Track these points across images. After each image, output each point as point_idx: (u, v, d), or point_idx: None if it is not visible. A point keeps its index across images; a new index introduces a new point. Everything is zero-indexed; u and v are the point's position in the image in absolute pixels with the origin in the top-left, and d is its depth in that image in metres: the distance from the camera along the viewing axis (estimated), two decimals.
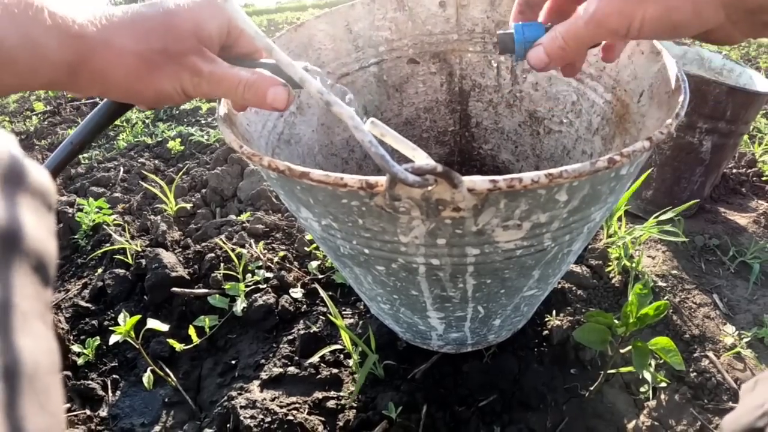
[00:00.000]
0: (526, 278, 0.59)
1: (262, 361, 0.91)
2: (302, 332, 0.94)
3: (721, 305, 1.04)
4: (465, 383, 0.83)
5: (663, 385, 0.84)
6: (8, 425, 0.15)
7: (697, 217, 1.34)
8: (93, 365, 0.97)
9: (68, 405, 0.88)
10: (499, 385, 0.82)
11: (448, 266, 0.52)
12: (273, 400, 0.82)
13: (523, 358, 0.86)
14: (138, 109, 2.49)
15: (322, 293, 0.90)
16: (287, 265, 1.12)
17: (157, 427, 0.84)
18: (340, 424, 0.79)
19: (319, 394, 0.83)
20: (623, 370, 0.83)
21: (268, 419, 0.77)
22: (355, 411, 0.81)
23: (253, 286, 1.05)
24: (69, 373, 0.94)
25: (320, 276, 1.10)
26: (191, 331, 0.94)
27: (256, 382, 0.86)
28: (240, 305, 0.99)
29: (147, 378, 0.90)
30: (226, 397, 0.83)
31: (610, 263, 1.09)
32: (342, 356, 0.91)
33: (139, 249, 1.19)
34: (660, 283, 1.07)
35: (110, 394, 0.91)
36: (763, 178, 1.57)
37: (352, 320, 0.98)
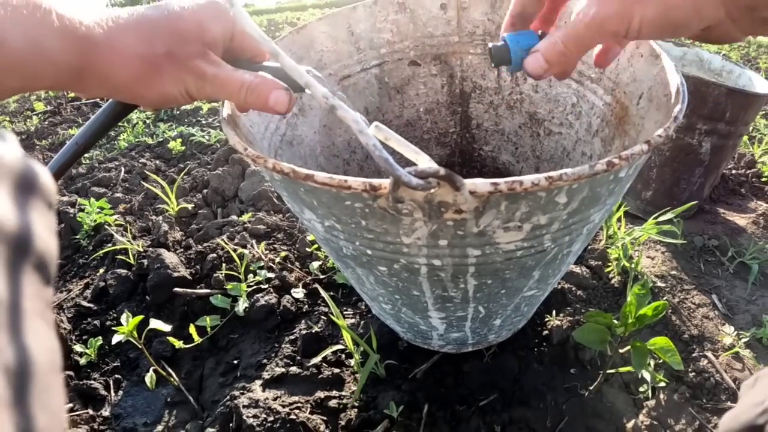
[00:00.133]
0: (527, 279, 0.59)
1: (264, 360, 0.91)
2: (304, 332, 0.95)
3: (720, 305, 1.05)
4: (466, 383, 0.84)
5: (662, 384, 0.84)
6: (18, 424, 0.16)
7: (696, 218, 1.35)
8: (95, 365, 0.97)
9: (70, 405, 0.88)
10: (500, 385, 0.83)
11: (449, 267, 0.53)
12: (275, 399, 0.82)
13: (524, 358, 0.87)
14: (140, 109, 2.49)
15: (324, 293, 0.90)
16: (289, 265, 1.13)
17: (160, 427, 0.84)
18: (342, 423, 0.80)
19: (321, 394, 0.84)
20: (623, 369, 0.84)
21: (271, 418, 0.77)
22: (356, 410, 0.81)
23: (254, 287, 1.06)
24: (71, 373, 0.95)
25: (322, 276, 1.10)
26: (193, 331, 0.95)
27: (258, 382, 0.87)
28: (242, 305, 1.00)
29: (149, 378, 0.90)
30: (228, 397, 0.83)
31: (610, 264, 1.10)
32: (344, 356, 0.91)
33: (141, 249, 1.20)
34: (659, 284, 1.07)
35: (113, 393, 0.91)
36: (763, 179, 1.58)
37: (353, 320, 0.99)
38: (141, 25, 0.43)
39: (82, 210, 1.39)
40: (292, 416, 0.78)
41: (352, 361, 0.88)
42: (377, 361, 0.83)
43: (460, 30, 0.88)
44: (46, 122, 2.58)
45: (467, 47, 0.89)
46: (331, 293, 1.06)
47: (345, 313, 1.01)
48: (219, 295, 1.02)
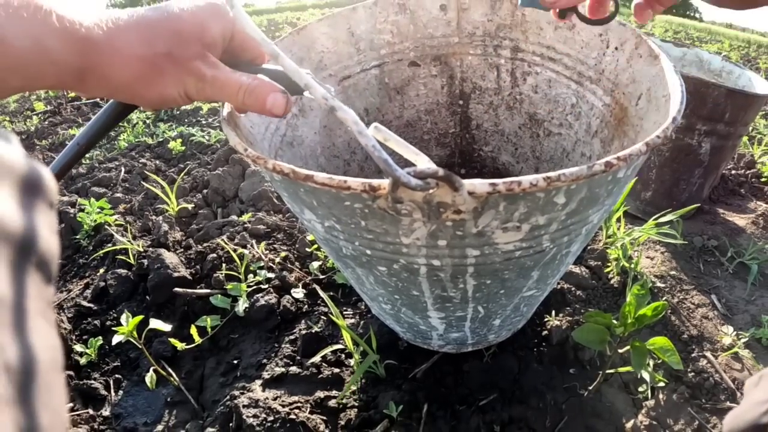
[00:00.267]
0: (526, 279, 0.59)
1: (264, 360, 0.92)
2: (304, 332, 0.95)
3: (720, 306, 1.05)
4: (465, 382, 0.84)
5: (661, 384, 0.85)
6: (23, 421, 0.16)
7: (695, 218, 1.35)
8: (95, 365, 0.98)
9: (71, 405, 0.88)
10: (499, 385, 0.83)
11: (448, 267, 0.53)
12: (275, 399, 0.83)
13: (523, 358, 0.87)
14: (140, 109, 2.49)
15: (322, 294, 0.90)
16: (289, 265, 1.13)
17: (160, 427, 0.84)
18: (342, 423, 0.80)
19: (320, 394, 0.84)
20: (622, 369, 0.84)
21: (271, 418, 0.77)
22: (356, 410, 0.81)
23: (254, 287, 1.06)
24: (72, 372, 0.95)
25: (321, 276, 1.10)
26: (193, 331, 0.95)
27: (258, 382, 0.87)
28: (242, 305, 1.00)
29: (149, 378, 0.90)
30: (228, 397, 0.83)
31: (609, 264, 1.10)
32: (343, 356, 0.91)
33: (141, 249, 1.20)
34: (659, 284, 1.08)
35: (113, 393, 0.91)
36: (762, 179, 1.58)
37: (353, 320, 0.99)
38: (141, 26, 0.43)
39: (82, 210, 1.39)
40: (292, 416, 0.78)
41: (352, 361, 0.88)
42: (377, 361, 0.83)
43: (460, 31, 0.88)
44: (46, 122, 2.59)
45: (467, 48, 0.90)
46: (331, 293, 1.06)
47: (345, 313, 1.01)
48: (219, 295, 1.02)
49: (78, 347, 0.99)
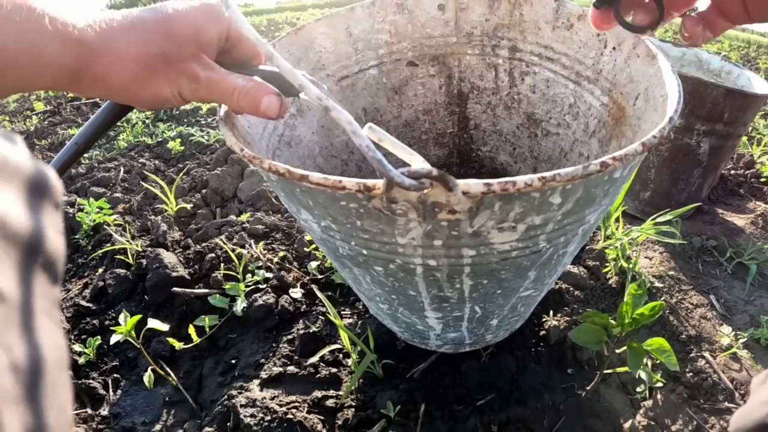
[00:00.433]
0: (522, 279, 0.59)
1: (262, 360, 0.92)
2: (302, 332, 0.95)
3: (718, 306, 1.05)
4: (463, 382, 0.84)
5: (659, 385, 0.84)
6: (31, 420, 0.16)
7: (694, 219, 1.35)
8: (94, 364, 0.98)
9: (72, 405, 0.88)
10: (497, 385, 0.83)
11: (444, 267, 0.53)
12: (273, 398, 0.83)
13: (521, 358, 0.87)
14: (138, 109, 2.49)
15: (320, 295, 0.91)
16: (287, 265, 1.13)
17: (158, 426, 0.84)
18: (339, 422, 0.80)
19: (318, 393, 0.84)
20: (620, 370, 0.84)
21: (268, 418, 0.78)
22: (354, 410, 0.81)
23: (253, 286, 1.06)
24: (70, 372, 0.95)
25: (320, 276, 1.10)
26: (192, 330, 0.95)
27: (256, 381, 0.87)
28: (240, 305, 1.00)
29: (148, 377, 0.90)
30: (226, 396, 0.84)
31: (608, 264, 1.10)
32: (341, 356, 0.91)
33: (140, 249, 1.20)
34: (657, 284, 1.08)
35: (111, 393, 0.91)
36: (762, 180, 1.58)
37: (351, 320, 0.99)
38: (136, 28, 0.43)
39: (81, 210, 1.39)
40: (290, 415, 0.78)
41: (350, 361, 0.88)
42: (374, 361, 0.83)
43: (458, 31, 0.88)
44: (46, 122, 2.59)
45: (465, 48, 0.89)
46: (329, 293, 1.06)
47: (343, 312, 1.01)
48: (217, 295, 1.02)
49: (77, 347, 0.99)
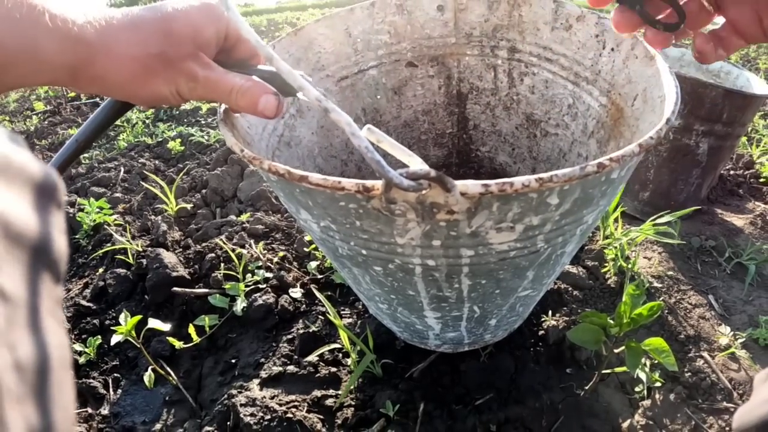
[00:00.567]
0: (521, 279, 0.60)
1: (262, 360, 0.92)
2: (301, 332, 0.95)
3: (717, 306, 1.05)
4: (462, 382, 0.84)
5: (658, 384, 0.85)
6: (39, 419, 0.16)
7: (693, 219, 1.35)
8: (94, 364, 0.98)
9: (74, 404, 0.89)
10: (496, 384, 0.83)
11: (443, 267, 0.54)
12: (273, 398, 0.83)
13: (520, 358, 0.87)
14: (138, 109, 2.50)
15: (319, 295, 0.91)
16: (287, 265, 1.13)
17: (158, 425, 0.85)
18: (339, 422, 0.80)
19: (317, 393, 0.84)
20: (618, 369, 0.84)
21: (268, 417, 0.78)
22: (353, 409, 0.82)
23: (252, 286, 1.06)
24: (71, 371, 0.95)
25: (319, 276, 1.11)
26: (192, 330, 0.95)
27: (256, 381, 0.87)
28: (240, 305, 1.00)
29: (148, 377, 0.91)
30: (226, 396, 0.84)
31: (606, 264, 1.10)
32: (341, 355, 0.92)
33: (140, 249, 1.21)
34: (656, 284, 1.08)
35: (111, 392, 0.92)
36: (761, 180, 1.58)
37: (350, 320, 0.99)
38: (135, 26, 0.43)
39: (81, 210, 1.39)
40: (289, 415, 0.78)
41: (349, 361, 0.89)
42: (374, 361, 0.84)
43: (458, 31, 0.88)
44: (46, 122, 2.59)
45: (464, 49, 0.90)
46: (329, 293, 1.06)
47: (342, 312, 1.01)
48: (217, 295, 1.03)
49: (77, 346, 0.99)
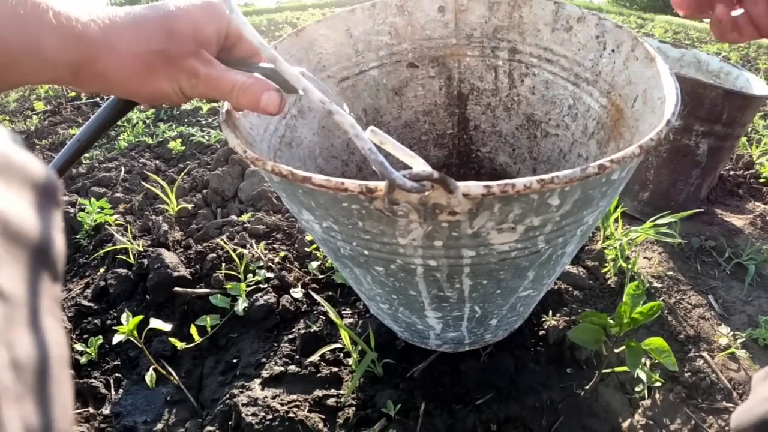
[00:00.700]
0: (521, 279, 0.60)
1: (263, 359, 0.92)
2: (303, 331, 0.95)
3: (716, 306, 1.05)
4: (462, 382, 0.84)
5: (658, 384, 0.85)
6: (39, 415, 0.17)
7: (693, 219, 1.36)
8: (96, 364, 0.98)
9: (72, 403, 0.89)
10: (496, 384, 0.83)
11: (444, 267, 0.54)
12: (274, 398, 0.83)
13: (520, 358, 0.88)
14: (139, 109, 2.49)
15: (318, 298, 0.91)
16: (288, 265, 1.14)
17: (160, 425, 0.85)
18: (340, 421, 0.80)
19: (319, 392, 0.84)
20: (618, 369, 0.85)
21: (270, 416, 0.78)
22: (354, 409, 0.82)
23: (254, 286, 1.07)
24: (72, 371, 0.96)
25: (320, 276, 1.11)
26: (193, 330, 0.95)
27: (258, 381, 0.87)
28: (241, 305, 1.01)
29: (149, 376, 0.91)
30: (227, 395, 0.84)
31: (607, 264, 1.11)
32: (342, 355, 0.92)
33: (141, 249, 1.21)
34: (656, 284, 1.08)
35: (113, 392, 0.92)
36: (761, 180, 1.59)
37: (351, 320, 1.00)
38: (137, 24, 0.43)
39: (82, 210, 1.40)
40: (291, 414, 0.78)
41: (350, 360, 0.89)
42: (375, 360, 0.84)
43: (458, 32, 0.89)
44: (46, 122, 2.59)
45: (465, 49, 0.90)
46: (330, 293, 1.07)
47: (343, 312, 1.02)
48: (219, 295, 1.03)
49: (78, 346, 0.99)
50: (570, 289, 1.03)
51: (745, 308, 1.06)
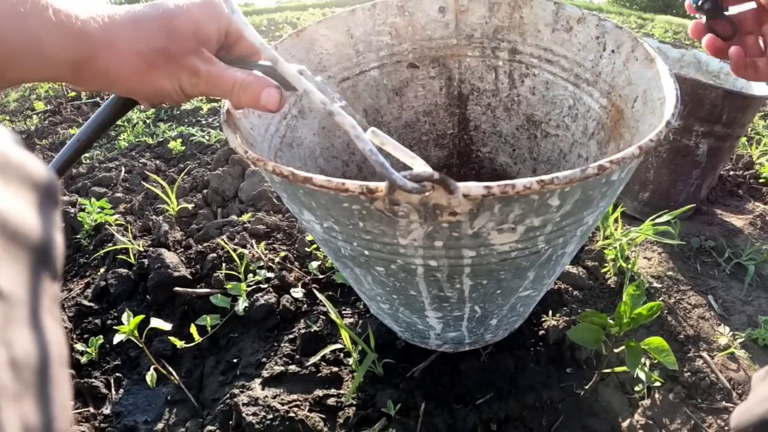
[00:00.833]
0: (522, 279, 0.60)
1: (264, 359, 0.92)
2: (303, 331, 0.96)
3: (716, 306, 1.05)
4: (463, 382, 0.85)
5: (657, 384, 0.85)
6: (39, 414, 0.17)
7: (693, 219, 1.36)
8: (96, 364, 0.98)
9: (72, 402, 0.89)
10: (496, 384, 0.84)
11: (445, 267, 0.54)
12: (274, 397, 0.83)
13: (520, 358, 0.88)
14: (139, 109, 2.49)
15: (320, 296, 0.91)
16: (288, 265, 1.14)
17: (160, 425, 0.85)
18: (340, 421, 0.81)
19: (319, 392, 0.85)
20: (618, 369, 0.85)
21: (270, 416, 0.78)
22: (354, 408, 0.82)
23: (254, 286, 1.07)
24: (73, 371, 0.96)
25: (321, 276, 1.11)
26: (193, 330, 0.96)
27: (258, 380, 0.88)
28: (242, 305, 1.01)
29: (150, 376, 0.91)
30: (228, 395, 0.84)
31: (606, 264, 1.11)
32: (342, 355, 0.92)
33: (142, 249, 1.21)
34: (655, 284, 1.08)
35: (113, 392, 0.92)
36: (760, 180, 1.59)
37: (352, 320, 1.00)
38: (137, 22, 0.43)
39: (82, 210, 1.40)
40: (291, 414, 0.79)
41: (351, 360, 0.89)
42: (375, 360, 0.84)
43: (459, 33, 0.89)
44: (46, 121, 2.59)
45: (465, 50, 0.90)
46: (330, 293, 1.07)
47: (344, 312, 1.02)
48: (219, 295, 1.03)
49: (79, 346, 0.99)
50: (570, 289, 1.03)
51: (745, 308, 1.06)
